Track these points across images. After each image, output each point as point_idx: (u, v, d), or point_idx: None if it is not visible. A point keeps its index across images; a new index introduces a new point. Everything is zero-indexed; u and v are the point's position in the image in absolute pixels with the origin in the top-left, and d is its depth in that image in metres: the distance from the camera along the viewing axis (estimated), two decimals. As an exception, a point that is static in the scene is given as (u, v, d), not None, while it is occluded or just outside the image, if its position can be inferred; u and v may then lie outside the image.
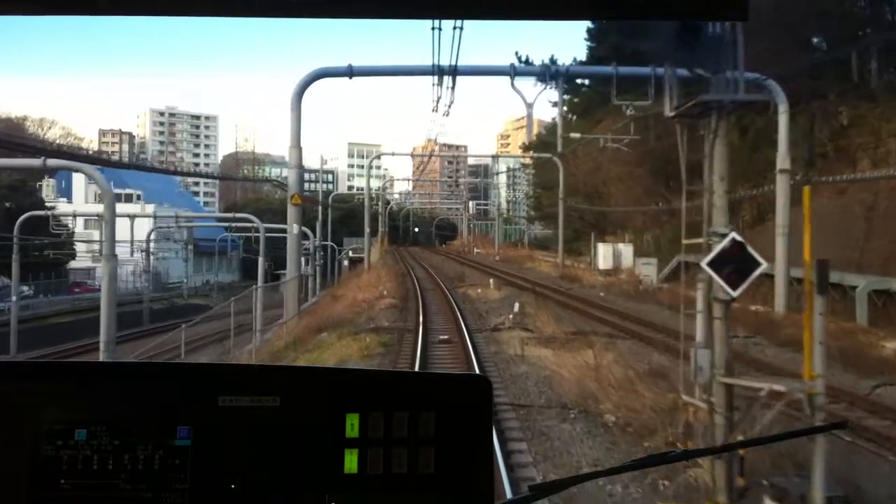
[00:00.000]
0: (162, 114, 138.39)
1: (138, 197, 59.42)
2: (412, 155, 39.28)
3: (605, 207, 39.63)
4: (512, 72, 20.20)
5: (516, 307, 21.51)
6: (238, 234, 66.72)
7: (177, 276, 59.64)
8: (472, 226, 70.84)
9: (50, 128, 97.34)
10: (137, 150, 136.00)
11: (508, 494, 6.26)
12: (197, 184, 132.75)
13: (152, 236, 55.62)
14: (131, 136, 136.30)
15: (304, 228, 52.15)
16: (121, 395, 1.24)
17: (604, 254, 34.71)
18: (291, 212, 20.04)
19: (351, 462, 1.21)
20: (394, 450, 1.21)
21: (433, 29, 15.03)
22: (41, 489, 1.19)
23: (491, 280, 29.13)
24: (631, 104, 20.04)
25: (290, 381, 1.27)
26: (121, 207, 57.15)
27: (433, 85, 18.74)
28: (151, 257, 55.20)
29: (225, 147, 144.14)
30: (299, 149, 19.96)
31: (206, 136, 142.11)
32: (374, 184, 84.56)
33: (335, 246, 66.10)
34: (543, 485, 1.24)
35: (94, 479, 1.20)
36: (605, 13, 0.79)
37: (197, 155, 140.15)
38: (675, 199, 38.39)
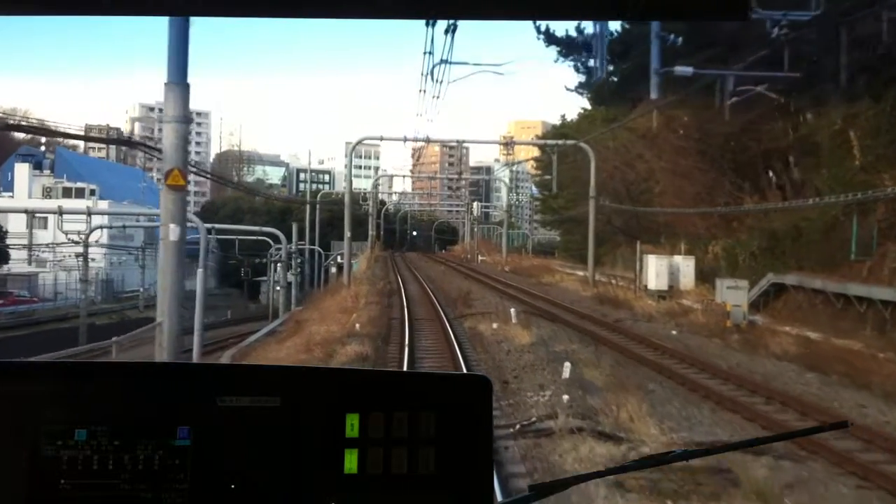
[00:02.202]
0: (152, 109, 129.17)
1: (92, 192, 50.00)
2: (405, 139, 29.93)
3: (657, 208, 30.15)
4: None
5: (567, 370, 12.18)
6: (217, 237, 57.81)
7: (137, 283, 50.21)
8: (475, 230, 61.14)
9: (21, 120, 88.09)
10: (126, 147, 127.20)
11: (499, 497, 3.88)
12: (188, 183, 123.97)
13: (104, 238, 46.58)
14: (119, 132, 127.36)
15: (275, 231, 42.98)
16: (121, 395, 1.21)
17: (656, 269, 25.34)
18: (167, 201, 10.74)
19: (351, 462, 1.17)
20: (394, 450, 1.18)
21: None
22: (41, 489, 1.17)
23: (511, 308, 19.70)
24: (785, 16, 10.61)
25: (290, 381, 1.23)
26: (71, 203, 48.03)
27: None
28: (100, 262, 45.99)
29: (217, 145, 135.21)
30: (185, 86, 10.69)
31: (198, 133, 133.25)
32: (365, 184, 75.27)
33: (322, 251, 57.66)
34: (543, 485, 1.19)
35: (94, 479, 1.18)
36: (605, 13, 0.78)
37: (188, 153, 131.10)
38: (747, 198, 29.03)
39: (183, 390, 1.21)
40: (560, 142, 32.48)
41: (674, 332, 18.50)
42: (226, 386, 1.20)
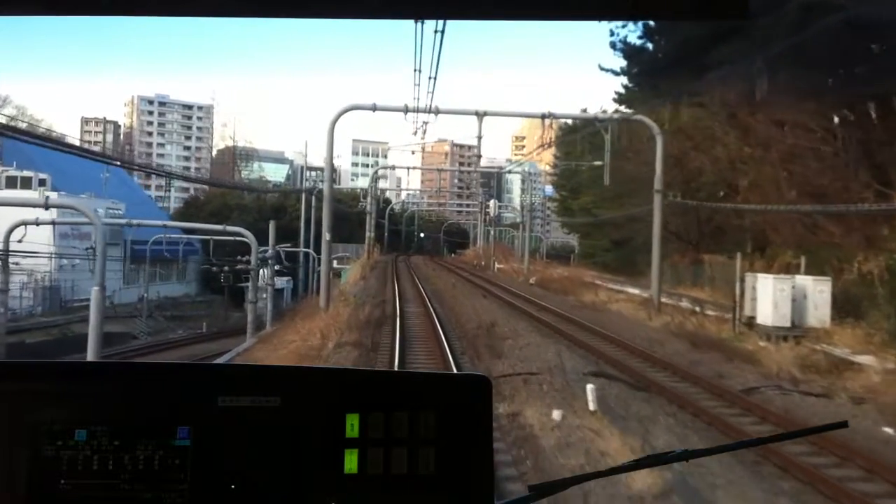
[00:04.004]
0: (151, 102, 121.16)
1: (42, 182, 41.51)
2: (406, 110, 21.58)
3: (790, 206, 21.19)
4: None
5: None
6: (198, 237, 49.58)
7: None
8: (491, 233, 52.08)
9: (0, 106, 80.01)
10: (123, 140, 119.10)
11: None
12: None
13: (54, 238, 38.46)
14: (116, 126, 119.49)
15: (243, 231, 34.43)
16: (121, 395, 1.18)
17: (774, 296, 16.60)
18: None
19: (351, 462, 1.15)
20: (394, 450, 1.15)
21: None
22: (41, 489, 1.14)
23: (588, 385, 10.81)
24: None
25: (291, 381, 1.20)
26: (12, 194, 39.74)
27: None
28: (45, 266, 37.71)
29: (219, 140, 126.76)
30: None
31: (199, 129, 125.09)
32: (364, 182, 66.67)
33: (315, 254, 49.34)
34: (543, 485, 1.17)
35: (94, 479, 1.15)
36: (603, 13, 0.75)
37: (188, 148, 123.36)
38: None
39: (183, 390, 1.18)
40: (616, 115, 23.75)
41: (888, 430, 9.76)
42: (226, 386, 1.17)
